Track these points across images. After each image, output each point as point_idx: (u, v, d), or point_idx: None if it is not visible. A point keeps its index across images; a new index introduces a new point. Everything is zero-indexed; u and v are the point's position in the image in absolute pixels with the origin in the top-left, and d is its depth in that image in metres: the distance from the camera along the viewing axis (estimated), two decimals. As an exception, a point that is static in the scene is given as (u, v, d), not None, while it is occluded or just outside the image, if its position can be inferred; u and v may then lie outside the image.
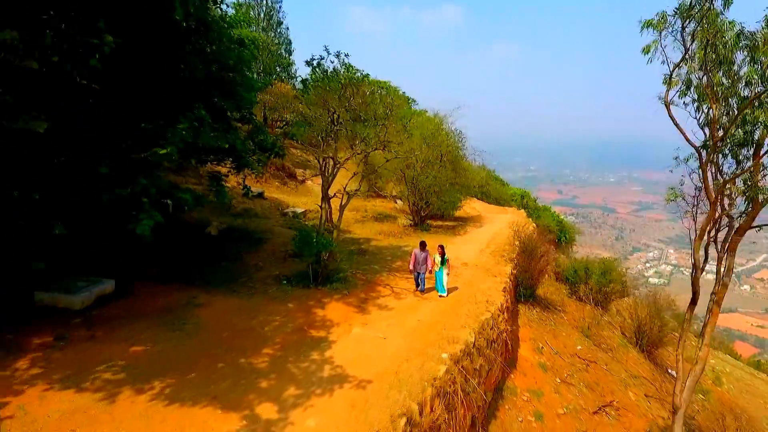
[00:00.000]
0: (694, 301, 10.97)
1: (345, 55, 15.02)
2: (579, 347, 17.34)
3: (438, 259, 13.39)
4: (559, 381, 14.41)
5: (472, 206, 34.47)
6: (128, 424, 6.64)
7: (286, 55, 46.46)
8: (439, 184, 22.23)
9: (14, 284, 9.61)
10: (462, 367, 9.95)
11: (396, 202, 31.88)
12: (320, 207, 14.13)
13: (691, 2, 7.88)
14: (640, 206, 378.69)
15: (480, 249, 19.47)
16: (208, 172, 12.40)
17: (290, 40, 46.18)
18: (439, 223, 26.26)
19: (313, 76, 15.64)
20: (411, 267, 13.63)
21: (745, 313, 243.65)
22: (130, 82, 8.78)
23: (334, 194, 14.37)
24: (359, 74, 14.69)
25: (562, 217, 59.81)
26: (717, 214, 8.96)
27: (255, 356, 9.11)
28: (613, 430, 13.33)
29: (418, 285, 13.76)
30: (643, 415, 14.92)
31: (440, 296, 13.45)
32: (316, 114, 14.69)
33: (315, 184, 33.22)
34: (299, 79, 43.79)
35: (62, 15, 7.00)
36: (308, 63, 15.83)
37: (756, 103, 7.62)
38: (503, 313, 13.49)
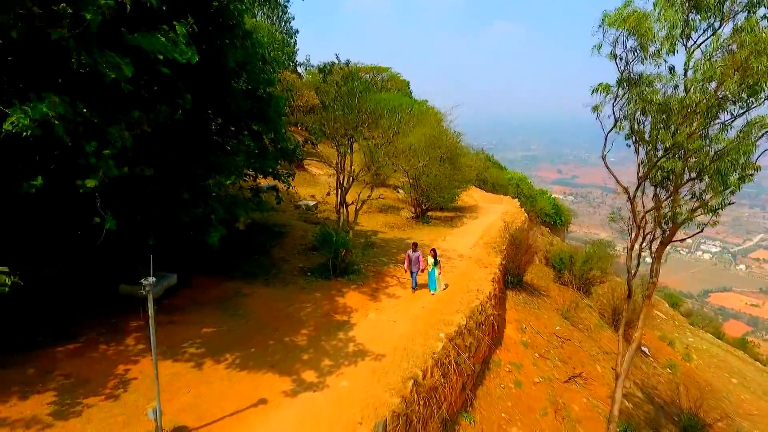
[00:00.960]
0: (629, 296, 13.77)
1: (356, 63, 17.53)
2: (557, 327, 20.18)
3: (431, 260, 15.46)
4: (537, 356, 17.28)
5: (469, 194, 36.85)
6: (217, 383, 9.39)
7: (291, 42, 48.05)
8: (439, 181, 24.70)
9: (104, 279, 12.27)
10: (455, 344, 12.70)
11: (398, 192, 34.39)
12: (337, 211, 16.68)
13: (620, 78, 10.37)
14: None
15: (474, 241, 22.10)
16: (249, 186, 14.84)
17: (293, 28, 47.71)
18: (439, 214, 28.82)
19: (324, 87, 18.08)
20: (405, 267, 15.84)
21: (740, 293, 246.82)
22: (198, 124, 11.25)
23: (352, 202, 16.91)
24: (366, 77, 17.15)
25: (558, 200, 62.31)
26: (642, 234, 11.55)
27: (295, 336, 11.85)
28: (579, 396, 16.24)
29: (414, 286, 15.82)
30: (607, 385, 17.83)
31: (431, 293, 15.53)
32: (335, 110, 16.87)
33: (321, 173, 35.58)
34: (302, 65, 45.63)
35: (155, 94, 9.45)
36: (321, 70, 18.37)
37: (669, 155, 10.12)
38: (491, 300, 16.22)
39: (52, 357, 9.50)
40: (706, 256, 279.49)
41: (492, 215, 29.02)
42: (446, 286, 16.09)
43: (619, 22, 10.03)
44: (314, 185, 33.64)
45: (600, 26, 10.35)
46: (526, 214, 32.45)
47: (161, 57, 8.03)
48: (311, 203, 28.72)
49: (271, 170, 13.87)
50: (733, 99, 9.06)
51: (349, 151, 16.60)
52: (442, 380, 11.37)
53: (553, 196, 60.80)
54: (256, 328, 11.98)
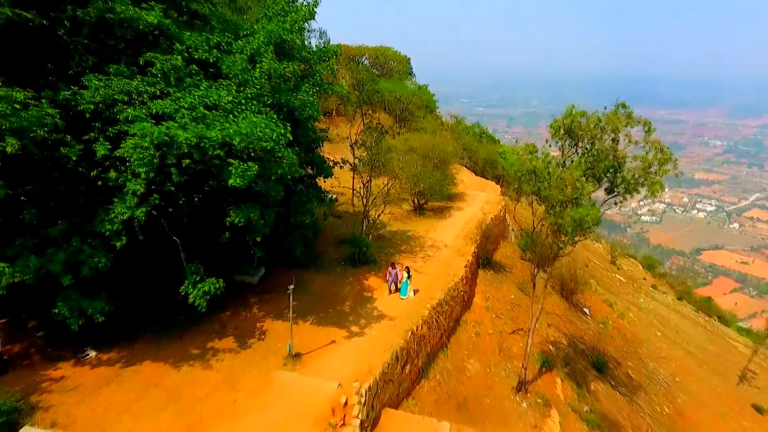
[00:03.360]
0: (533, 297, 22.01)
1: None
2: (512, 296, 28.77)
3: (405, 275, 21.29)
4: (494, 316, 25.95)
5: (459, 178, 43.40)
6: (308, 334, 17.85)
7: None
8: (431, 185, 32.40)
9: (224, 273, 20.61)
10: (437, 310, 21.23)
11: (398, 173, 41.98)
12: (362, 222, 24.82)
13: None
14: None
15: (455, 234, 30.10)
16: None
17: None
18: (433, 205, 36.67)
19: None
20: (387, 278, 21.89)
21: (731, 251, 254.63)
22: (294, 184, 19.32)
23: (375, 218, 25.00)
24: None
25: None
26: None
27: (342, 306, 20.29)
28: (519, 342, 24.98)
29: (390, 290, 21.74)
30: (542, 335, 26.61)
31: (401, 298, 21.24)
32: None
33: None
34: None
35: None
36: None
37: (551, 212, 17.97)
38: (463, 281, 24.65)
39: (222, 319, 18.06)
40: (701, 215, 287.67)
41: (474, 206, 36.56)
42: (415, 292, 21.79)
43: (552, 131, 18.06)
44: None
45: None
46: (504, 200, 39.77)
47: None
48: (333, 196, 36.58)
49: (323, 198, 22.04)
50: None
51: (372, 174, 24.48)
52: (427, 332, 19.99)
53: None
54: (318, 302, 20.41)
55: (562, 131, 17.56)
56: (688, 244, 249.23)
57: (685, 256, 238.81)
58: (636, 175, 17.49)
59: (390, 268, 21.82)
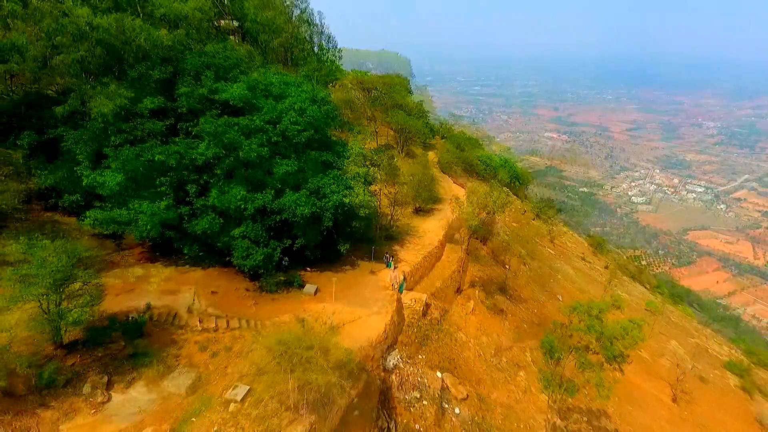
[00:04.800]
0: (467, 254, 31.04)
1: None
2: (460, 254, 38.18)
3: (401, 277, 31.39)
4: (448, 262, 35.92)
5: (443, 185, 52.05)
6: (341, 309, 26.55)
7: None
8: (424, 198, 41.93)
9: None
10: (425, 258, 30.17)
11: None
12: (390, 217, 33.48)
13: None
14: (634, 126, 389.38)
15: (437, 225, 40.70)
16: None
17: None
18: (425, 207, 45.22)
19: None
20: (389, 280, 31.13)
21: (717, 231, 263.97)
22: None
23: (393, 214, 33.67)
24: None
25: (518, 167, 79.49)
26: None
27: (365, 291, 28.99)
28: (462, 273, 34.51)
29: (393, 286, 31.16)
30: (474, 275, 37.19)
31: (400, 294, 30.49)
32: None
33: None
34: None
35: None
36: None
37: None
38: (437, 246, 34.13)
39: (334, 267, 28.65)
40: (691, 196, 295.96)
41: (448, 208, 45.27)
42: (405, 279, 31.74)
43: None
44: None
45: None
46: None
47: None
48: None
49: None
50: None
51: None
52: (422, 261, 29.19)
53: (515, 164, 77.94)
54: (349, 286, 29.07)
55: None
56: (676, 225, 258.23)
57: (671, 236, 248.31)
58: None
59: (391, 273, 31.35)
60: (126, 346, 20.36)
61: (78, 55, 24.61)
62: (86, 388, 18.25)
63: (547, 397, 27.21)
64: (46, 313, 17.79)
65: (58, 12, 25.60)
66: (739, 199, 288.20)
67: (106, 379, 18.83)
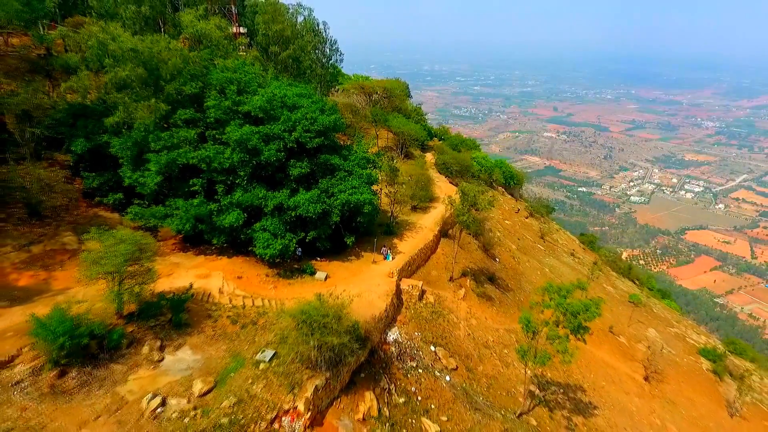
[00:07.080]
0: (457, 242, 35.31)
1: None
2: (456, 248, 42.15)
3: (388, 251, 36.46)
4: (443, 255, 39.69)
5: (438, 185, 56.17)
6: (348, 290, 30.89)
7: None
8: (420, 197, 46.02)
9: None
10: (420, 250, 34.49)
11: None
12: (390, 215, 37.75)
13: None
14: (633, 125, 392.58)
15: (432, 221, 44.36)
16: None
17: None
18: (421, 205, 49.46)
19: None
20: (382, 252, 36.43)
21: (715, 230, 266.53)
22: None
23: (393, 211, 37.98)
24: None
25: (512, 168, 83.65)
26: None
27: (371, 278, 33.28)
28: (454, 265, 38.47)
29: (385, 257, 36.73)
30: (465, 265, 40.49)
31: (387, 261, 36.20)
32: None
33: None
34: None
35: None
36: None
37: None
38: (431, 243, 38.32)
39: (341, 258, 33.25)
40: (689, 195, 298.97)
41: (442, 206, 49.52)
42: (390, 250, 37.14)
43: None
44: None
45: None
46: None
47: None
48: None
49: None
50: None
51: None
52: (417, 254, 33.38)
53: (508, 165, 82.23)
54: (355, 272, 33.44)
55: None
56: (674, 224, 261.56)
57: (669, 235, 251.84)
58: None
59: (383, 248, 36.55)
60: (172, 318, 24.70)
61: (124, 74, 28.90)
62: (144, 350, 22.63)
63: (525, 368, 31.45)
64: (115, 288, 22.14)
65: (106, 36, 29.97)
66: (737, 199, 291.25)
67: (159, 343, 23.22)
